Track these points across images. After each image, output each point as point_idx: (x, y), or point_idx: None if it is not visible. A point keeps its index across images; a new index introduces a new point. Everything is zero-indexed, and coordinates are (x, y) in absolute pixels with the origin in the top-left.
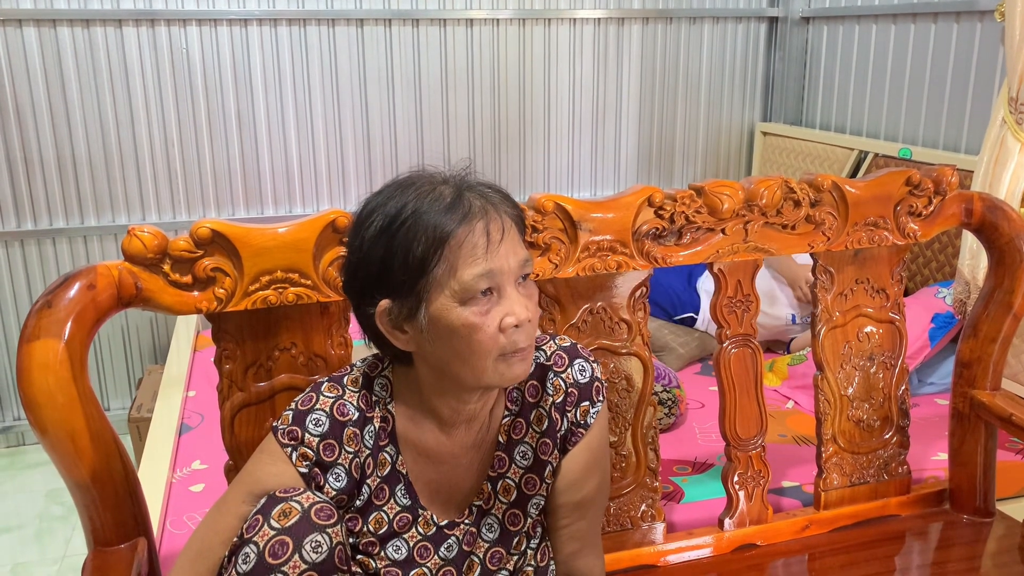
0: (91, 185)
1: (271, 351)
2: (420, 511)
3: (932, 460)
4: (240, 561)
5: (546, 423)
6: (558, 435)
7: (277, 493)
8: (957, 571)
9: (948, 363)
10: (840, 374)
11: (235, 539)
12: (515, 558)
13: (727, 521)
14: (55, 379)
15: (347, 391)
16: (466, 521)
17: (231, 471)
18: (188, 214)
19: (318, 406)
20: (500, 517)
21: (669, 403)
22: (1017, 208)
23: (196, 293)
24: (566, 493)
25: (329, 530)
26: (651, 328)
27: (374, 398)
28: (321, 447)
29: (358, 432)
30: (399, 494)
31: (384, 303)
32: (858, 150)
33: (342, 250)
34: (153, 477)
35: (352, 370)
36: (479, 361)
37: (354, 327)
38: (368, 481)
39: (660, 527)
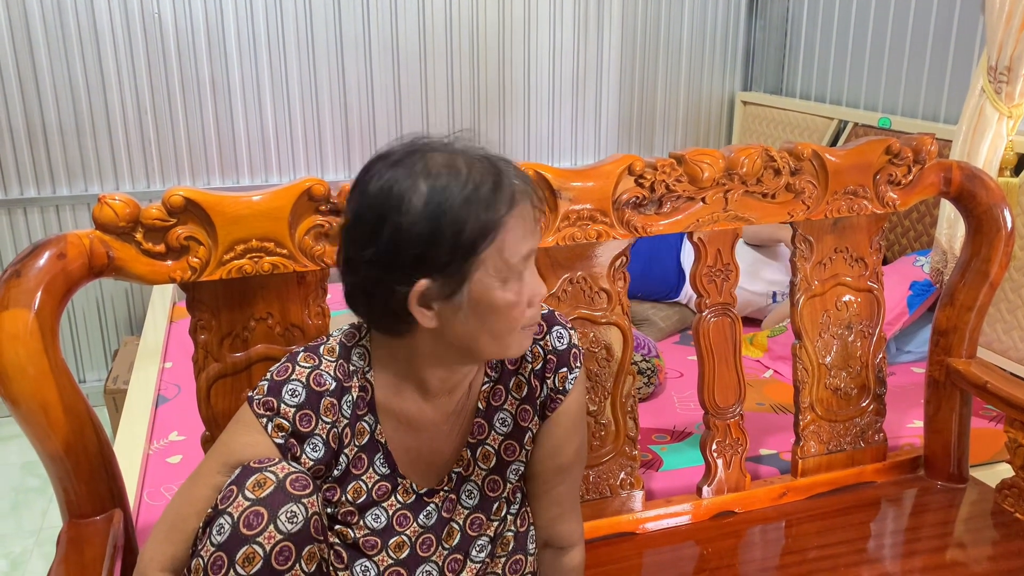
0: (62, 153)
1: (247, 321)
2: (399, 479)
3: (908, 428)
4: (215, 532)
5: (525, 390)
6: (537, 401)
7: (252, 463)
8: (931, 536)
9: (925, 331)
10: (818, 343)
11: (209, 510)
12: (495, 524)
13: (705, 489)
14: (25, 350)
15: (323, 361)
16: (445, 488)
17: (208, 442)
18: (163, 183)
19: (294, 376)
20: (480, 483)
21: (648, 372)
22: (995, 177)
23: (170, 262)
24: (547, 459)
25: (304, 500)
26: (631, 303)
27: (352, 368)
28: (297, 418)
29: (335, 402)
30: (378, 463)
31: (423, 282)
32: (838, 119)
33: (318, 218)
34: (130, 449)
35: (328, 340)
36: (508, 335)
37: (332, 298)
38: (346, 451)
39: (639, 495)
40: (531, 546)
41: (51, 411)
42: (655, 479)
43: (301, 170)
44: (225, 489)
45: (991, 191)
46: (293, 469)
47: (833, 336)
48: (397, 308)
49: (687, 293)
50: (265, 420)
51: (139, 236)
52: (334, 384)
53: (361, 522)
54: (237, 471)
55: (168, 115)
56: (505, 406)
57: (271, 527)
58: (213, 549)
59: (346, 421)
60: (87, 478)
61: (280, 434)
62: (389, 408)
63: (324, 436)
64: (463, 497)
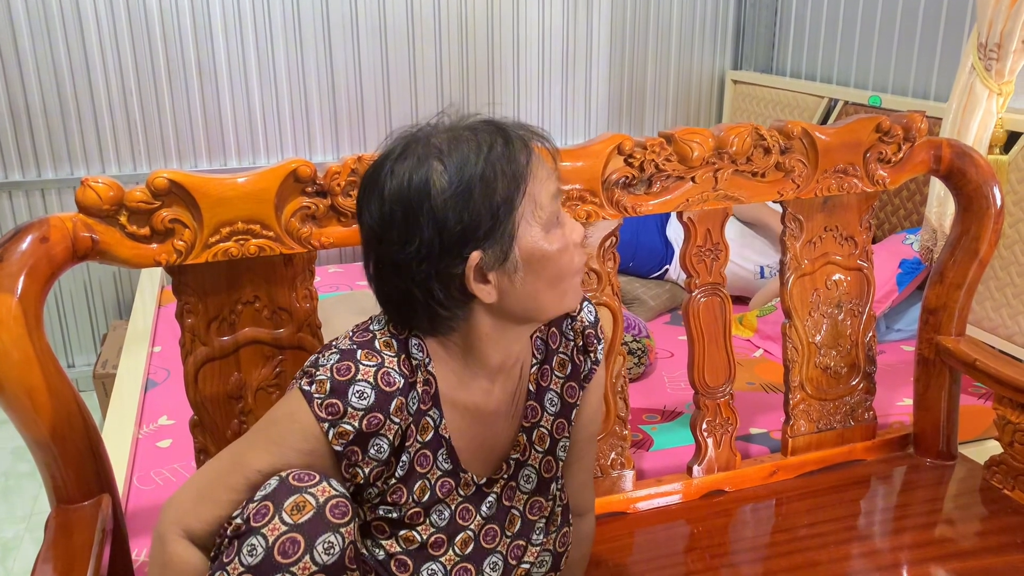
0: (47, 137)
1: (234, 304)
2: (461, 474)
3: (897, 406)
4: (245, 551)
5: (570, 367)
6: (582, 377)
7: (291, 480)
8: (920, 513)
9: (915, 310)
10: (808, 322)
11: (239, 519)
12: (550, 503)
13: (696, 468)
14: (9, 335)
15: (385, 357)
16: (504, 476)
17: (196, 426)
18: (149, 166)
19: (360, 376)
20: (537, 467)
21: (639, 353)
22: (985, 155)
23: (155, 245)
24: (584, 428)
25: (343, 529)
26: (621, 281)
27: (414, 362)
28: (365, 422)
29: (404, 400)
30: (441, 459)
31: (476, 255)
32: (828, 98)
33: (305, 200)
34: (119, 433)
35: (376, 333)
36: (567, 282)
37: (320, 281)
38: (408, 448)
39: (630, 475)
40: (570, 516)
41: (36, 396)
42: (646, 459)
43: (289, 151)
44: (259, 503)
45: (981, 169)
46: (334, 493)
47: (823, 315)
48: (456, 293)
49: (676, 268)
50: (327, 425)
51: (123, 219)
52: (402, 382)
53: (427, 521)
54: (274, 482)
55: (154, 97)
56: (552, 386)
57: (307, 558)
58: (242, 569)
59: (411, 418)
60: (74, 463)
61: (341, 442)
62: (454, 400)
63: (390, 437)
64: (521, 482)
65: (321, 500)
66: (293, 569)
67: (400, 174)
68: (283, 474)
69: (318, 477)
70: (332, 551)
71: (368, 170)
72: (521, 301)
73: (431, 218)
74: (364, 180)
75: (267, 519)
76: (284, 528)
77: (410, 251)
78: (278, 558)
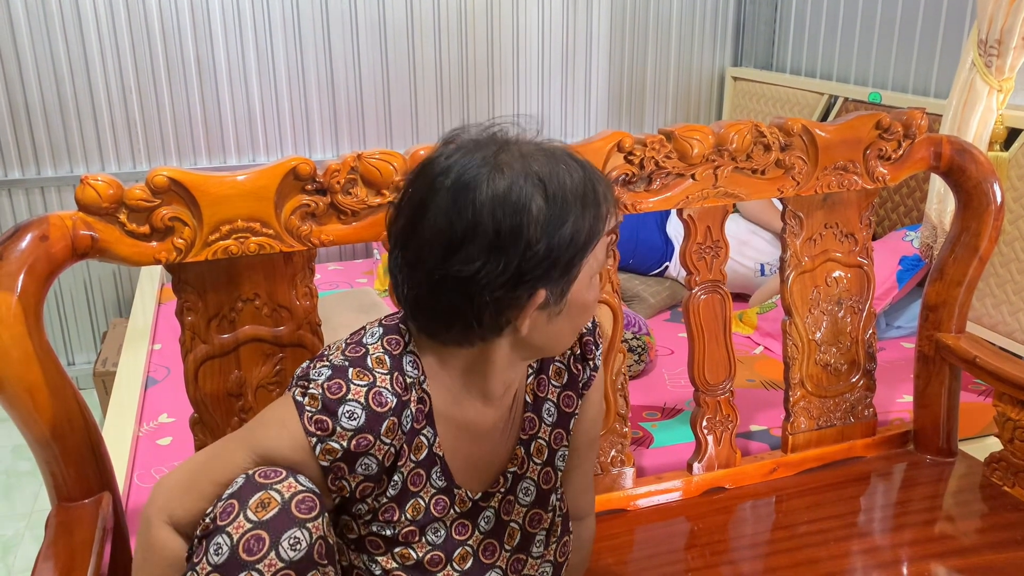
0: (46, 134)
1: (234, 302)
2: (455, 490)
3: (897, 403)
4: (212, 550)
5: (566, 376)
6: (580, 385)
7: (257, 478)
8: (920, 510)
9: (915, 306)
10: (808, 319)
11: (207, 519)
12: (550, 515)
13: (696, 465)
14: (9, 333)
15: (377, 375)
16: (501, 490)
17: (196, 424)
18: (148, 163)
19: (351, 396)
20: (536, 479)
21: (639, 350)
22: (985, 151)
23: (154, 243)
24: (584, 434)
25: (309, 524)
26: (622, 278)
27: (408, 380)
28: (353, 442)
29: (397, 421)
30: (435, 477)
31: (542, 292)
32: (828, 94)
33: (304, 198)
34: (119, 431)
35: (368, 348)
36: (580, 330)
37: (319, 279)
38: (401, 468)
39: (630, 472)
40: (569, 524)
41: (37, 395)
42: (646, 456)
43: (288, 149)
44: (226, 502)
45: (981, 165)
46: (300, 488)
47: (823, 312)
48: (501, 319)
49: (676, 265)
50: (315, 440)
51: (123, 217)
52: (395, 401)
53: (423, 539)
54: (241, 480)
55: (153, 95)
56: (549, 396)
57: (272, 554)
58: (209, 569)
59: (404, 437)
60: (75, 461)
61: (328, 458)
62: (449, 417)
63: (379, 456)
64: (520, 495)
65: (286, 496)
66: (259, 566)
67: (498, 187)
68: (250, 472)
69: (284, 473)
70: (298, 547)
71: (443, 169)
72: (544, 338)
73: (524, 244)
74: (449, 181)
75: (232, 517)
76: (249, 526)
77: (489, 271)
78: (243, 556)
